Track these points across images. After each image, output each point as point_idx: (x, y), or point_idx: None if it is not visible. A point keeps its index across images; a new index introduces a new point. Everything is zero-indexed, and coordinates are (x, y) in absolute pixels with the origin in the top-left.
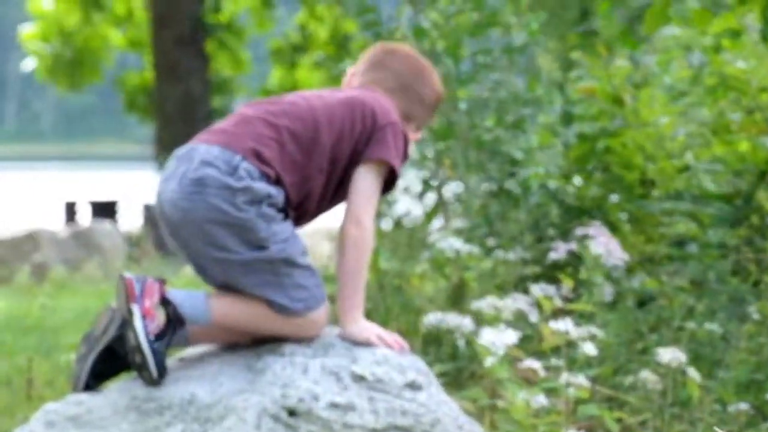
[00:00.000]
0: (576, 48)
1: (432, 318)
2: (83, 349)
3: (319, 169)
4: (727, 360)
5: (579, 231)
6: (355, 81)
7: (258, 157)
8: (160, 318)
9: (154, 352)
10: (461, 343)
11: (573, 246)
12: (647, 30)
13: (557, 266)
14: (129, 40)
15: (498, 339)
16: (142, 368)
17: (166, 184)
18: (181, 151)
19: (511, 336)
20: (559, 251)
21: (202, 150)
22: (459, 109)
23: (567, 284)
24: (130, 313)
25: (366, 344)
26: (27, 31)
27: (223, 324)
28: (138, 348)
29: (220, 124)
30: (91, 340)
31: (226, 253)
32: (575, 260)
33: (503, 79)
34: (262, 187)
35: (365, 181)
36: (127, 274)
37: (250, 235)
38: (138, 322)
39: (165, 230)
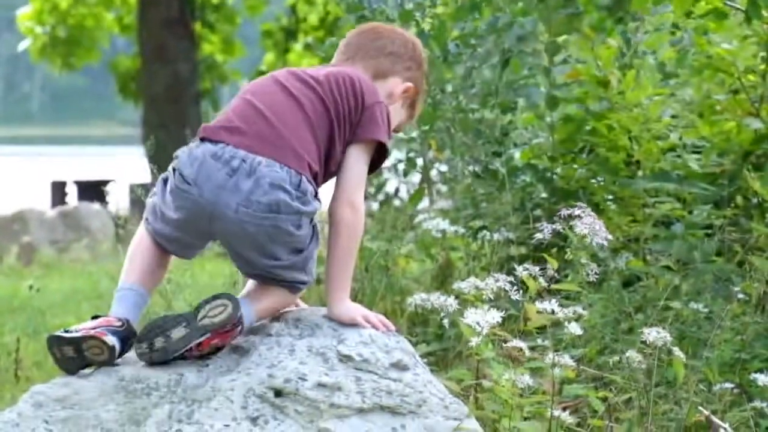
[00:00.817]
0: (562, 30)
1: (417, 298)
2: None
3: (325, 154)
4: (712, 340)
5: (564, 212)
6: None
7: (310, 170)
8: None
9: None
10: (446, 323)
11: (558, 227)
12: (635, 6)
13: (543, 247)
14: (121, 23)
15: (482, 319)
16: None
17: (210, 188)
18: (223, 152)
19: (495, 316)
20: (544, 232)
21: (263, 167)
22: (445, 91)
23: (552, 265)
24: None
25: (352, 325)
26: (22, 11)
27: (258, 319)
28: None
29: (251, 117)
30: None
31: (275, 261)
32: (561, 241)
33: (488, 61)
34: (318, 205)
35: (358, 162)
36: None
37: (299, 245)
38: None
39: (197, 222)
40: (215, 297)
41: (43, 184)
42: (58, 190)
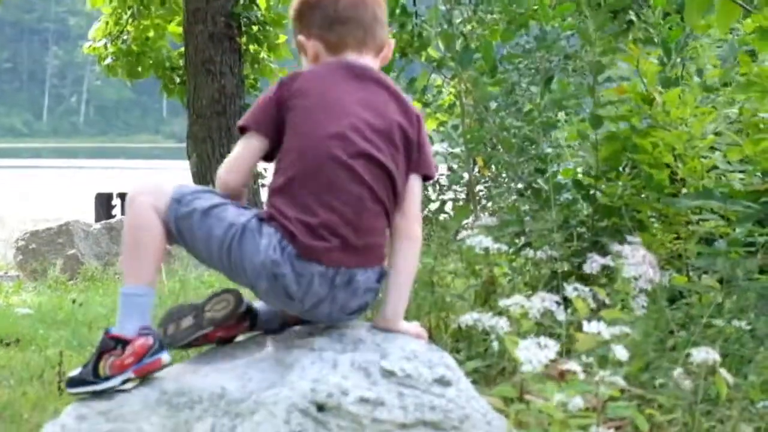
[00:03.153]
0: (609, 49)
1: (467, 318)
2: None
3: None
4: (755, 357)
5: (615, 248)
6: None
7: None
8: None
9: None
10: (495, 344)
11: (608, 261)
12: (688, 19)
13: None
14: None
15: (536, 354)
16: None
17: (311, 301)
18: (326, 272)
19: (550, 352)
20: (593, 266)
21: (358, 277)
22: (489, 108)
23: (601, 294)
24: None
25: (417, 337)
26: (92, 30)
27: None
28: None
29: (336, 224)
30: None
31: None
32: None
33: (534, 77)
34: None
35: (419, 190)
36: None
37: None
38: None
39: (291, 302)
40: (223, 291)
41: (88, 196)
42: (103, 203)
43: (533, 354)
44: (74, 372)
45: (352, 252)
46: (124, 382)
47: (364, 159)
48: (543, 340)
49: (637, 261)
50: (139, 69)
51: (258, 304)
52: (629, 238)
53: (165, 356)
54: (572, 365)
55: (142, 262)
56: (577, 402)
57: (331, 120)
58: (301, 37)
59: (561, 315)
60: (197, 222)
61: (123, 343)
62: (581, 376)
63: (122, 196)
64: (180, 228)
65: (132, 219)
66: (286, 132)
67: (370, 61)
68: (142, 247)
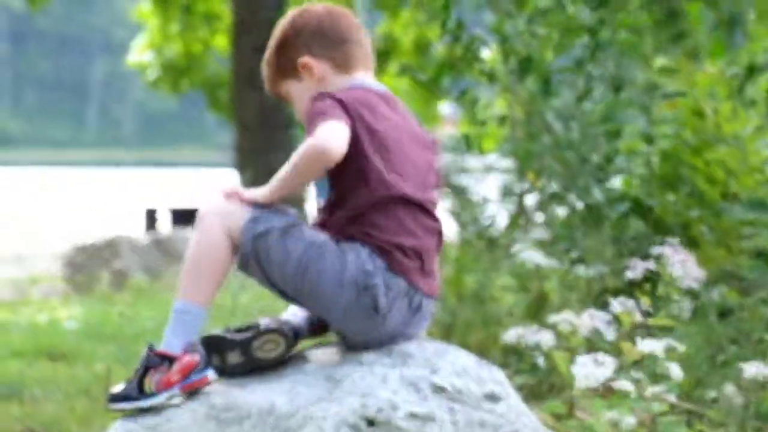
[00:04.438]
0: (665, 69)
1: (512, 333)
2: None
3: None
4: None
5: (656, 250)
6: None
7: None
8: None
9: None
10: (540, 361)
11: (650, 265)
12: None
13: (638, 281)
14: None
15: (593, 372)
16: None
17: (392, 324)
18: (413, 297)
19: (607, 370)
20: (636, 270)
21: (430, 306)
22: (545, 121)
23: (645, 301)
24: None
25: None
26: (137, 42)
27: None
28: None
29: (429, 251)
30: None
31: None
32: (654, 275)
33: (593, 89)
34: None
35: None
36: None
37: None
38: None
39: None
40: (271, 330)
41: (134, 208)
42: (152, 218)
43: (590, 371)
44: (117, 388)
45: (425, 277)
46: (170, 398)
47: (431, 193)
48: (600, 357)
49: (680, 259)
50: (183, 83)
51: (292, 316)
52: (668, 240)
53: (211, 373)
54: (624, 384)
55: (202, 281)
56: (630, 421)
57: (399, 151)
58: (307, 58)
59: (611, 333)
60: (275, 241)
61: (169, 359)
62: (632, 394)
63: (175, 213)
64: (256, 247)
65: (200, 236)
66: (355, 153)
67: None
68: (206, 266)
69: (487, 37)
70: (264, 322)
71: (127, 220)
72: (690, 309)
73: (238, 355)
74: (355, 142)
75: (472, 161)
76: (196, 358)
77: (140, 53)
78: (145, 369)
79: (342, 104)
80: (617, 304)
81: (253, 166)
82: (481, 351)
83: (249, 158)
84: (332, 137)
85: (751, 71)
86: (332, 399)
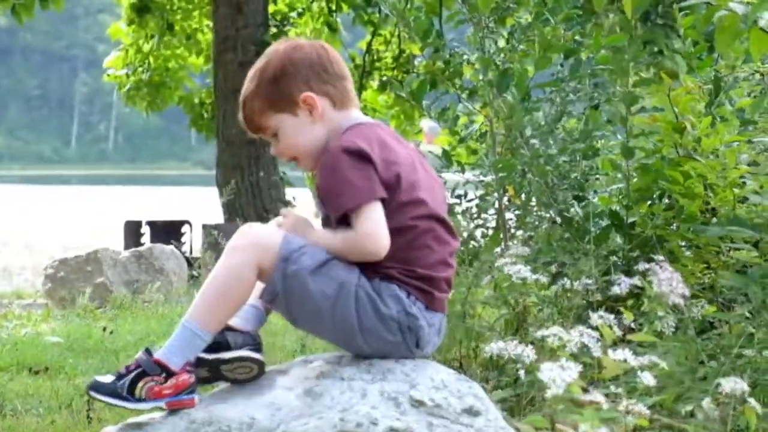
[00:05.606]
0: (642, 81)
1: (494, 347)
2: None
3: None
4: None
5: (642, 266)
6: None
7: None
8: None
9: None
10: (522, 374)
11: (636, 281)
12: (719, 48)
13: (619, 297)
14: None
15: (559, 375)
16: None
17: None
18: (441, 323)
19: (572, 373)
20: (621, 286)
21: (444, 323)
22: (524, 136)
23: (627, 317)
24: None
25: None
26: (109, 57)
27: None
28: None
29: (450, 281)
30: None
31: None
32: (638, 289)
33: (570, 106)
34: None
35: None
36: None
37: None
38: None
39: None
40: (247, 359)
41: (117, 223)
42: (132, 231)
43: (556, 375)
44: (104, 378)
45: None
46: (154, 408)
47: (446, 212)
48: (564, 362)
49: (666, 277)
50: (159, 101)
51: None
52: (656, 257)
53: (197, 398)
54: (596, 395)
55: (220, 312)
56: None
57: (424, 184)
58: (309, 94)
59: (597, 350)
60: (306, 280)
61: (167, 372)
62: (605, 405)
63: (151, 224)
64: (288, 286)
65: (230, 269)
66: (389, 197)
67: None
68: (229, 297)
69: (467, 52)
70: (236, 341)
71: (109, 234)
72: (673, 326)
73: (205, 372)
74: (391, 188)
75: (453, 176)
76: (192, 379)
77: (116, 69)
78: (142, 373)
79: (371, 161)
80: (596, 318)
81: (235, 181)
82: (462, 365)
83: (232, 174)
84: (378, 234)
85: (717, 89)
86: (312, 413)
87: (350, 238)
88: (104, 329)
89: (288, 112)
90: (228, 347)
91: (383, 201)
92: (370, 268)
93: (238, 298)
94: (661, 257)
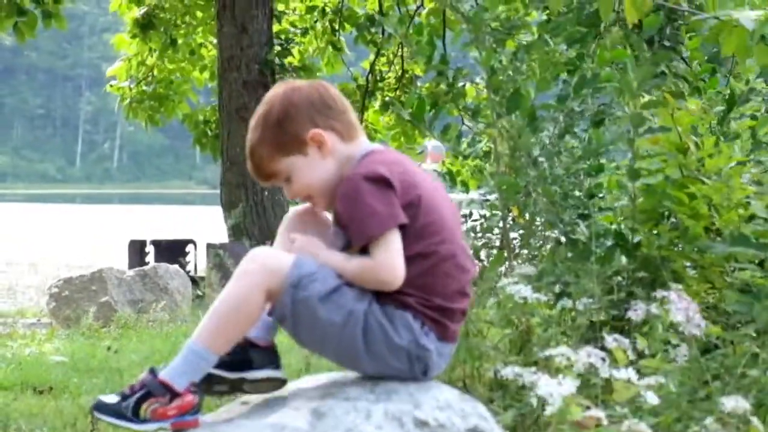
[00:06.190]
0: (650, 103)
1: (508, 371)
2: None
3: None
4: None
5: (660, 293)
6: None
7: None
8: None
9: None
10: (534, 400)
11: (652, 308)
12: (725, 52)
13: (621, 317)
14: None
15: (555, 389)
16: None
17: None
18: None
19: (569, 386)
20: (638, 312)
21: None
22: (531, 156)
23: (642, 343)
24: None
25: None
26: (113, 66)
27: None
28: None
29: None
30: None
31: None
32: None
33: (575, 125)
34: None
35: None
36: None
37: None
38: None
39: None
40: (271, 379)
41: (121, 243)
42: (137, 250)
43: (552, 390)
44: (109, 399)
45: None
46: (158, 429)
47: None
48: (560, 378)
49: (684, 306)
50: (161, 115)
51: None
52: (672, 285)
53: (201, 418)
54: (596, 412)
55: (227, 335)
56: None
57: (443, 210)
58: (317, 131)
59: (605, 370)
60: (316, 307)
61: (172, 393)
62: (605, 422)
63: (155, 244)
64: (297, 312)
65: (238, 293)
66: (409, 221)
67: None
68: (236, 320)
69: (472, 72)
70: (259, 360)
71: (113, 254)
72: (687, 353)
73: (225, 387)
74: (411, 212)
75: (457, 196)
76: (196, 400)
77: (119, 79)
78: (147, 394)
79: (392, 186)
80: (611, 340)
81: (240, 201)
82: (466, 386)
83: (236, 194)
84: (395, 266)
85: (731, 105)
86: None
87: (367, 266)
88: (108, 348)
89: (297, 153)
90: (251, 365)
91: (404, 226)
92: (385, 294)
93: (246, 322)
94: (678, 286)
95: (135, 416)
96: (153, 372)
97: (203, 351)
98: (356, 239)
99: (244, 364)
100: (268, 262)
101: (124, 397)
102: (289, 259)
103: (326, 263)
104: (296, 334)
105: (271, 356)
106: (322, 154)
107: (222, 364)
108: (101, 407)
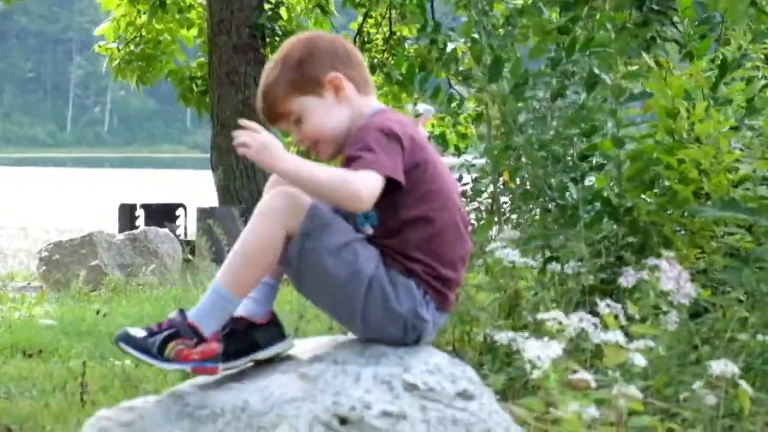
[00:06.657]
0: (631, 73)
1: (502, 336)
2: None
3: None
4: None
5: (651, 261)
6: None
7: None
8: None
9: None
10: (527, 366)
11: (644, 275)
12: (728, 15)
13: (612, 281)
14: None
15: (543, 352)
16: None
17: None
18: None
19: (556, 349)
20: (628, 279)
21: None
22: (516, 122)
23: (634, 310)
24: None
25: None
26: (101, 26)
27: None
28: None
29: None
30: None
31: None
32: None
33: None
34: None
35: None
36: None
37: None
38: None
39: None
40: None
41: (111, 207)
42: (127, 214)
43: (539, 352)
44: (136, 332)
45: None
46: (179, 370)
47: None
48: (546, 341)
49: (674, 275)
50: (149, 75)
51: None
52: (663, 252)
53: (221, 366)
54: (585, 374)
55: (251, 276)
56: (592, 412)
57: (447, 178)
58: (338, 74)
59: (597, 336)
60: (323, 259)
61: (199, 337)
62: (593, 384)
63: (146, 207)
64: (303, 260)
65: (260, 236)
66: (415, 182)
67: None
68: (258, 261)
69: (459, 39)
70: (264, 338)
71: (104, 217)
72: (678, 319)
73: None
74: (418, 174)
75: (447, 160)
76: (219, 349)
77: (108, 39)
78: (175, 334)
79: (401, 144)
80: (604, 306)
81: (230, 164)
82: (456, 349)
83: (226, 157)
84: (369, 189)
85: (724, 70)
86: (305, 397)
87: (343, 174)
88: (98, 312)
89: (313, 94)
90: (258, 346)
91: (402, 187)
92: (395, 257)
93: (266, 264)
94: (671, 254)
95: (159, 354)
96: (182, 313)
97: (229, 294)
98: (347, 150)
99: (251, 347)
100: (288, 203)
101: (151, 334)
102: (307, 203)
103: (290, 167)
104: (298, 281)
105: (273, 330)
106: (338, 100)
107: (230, 355)
108: (128, 340)
